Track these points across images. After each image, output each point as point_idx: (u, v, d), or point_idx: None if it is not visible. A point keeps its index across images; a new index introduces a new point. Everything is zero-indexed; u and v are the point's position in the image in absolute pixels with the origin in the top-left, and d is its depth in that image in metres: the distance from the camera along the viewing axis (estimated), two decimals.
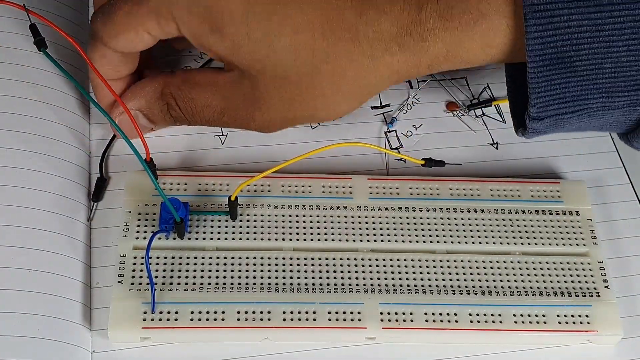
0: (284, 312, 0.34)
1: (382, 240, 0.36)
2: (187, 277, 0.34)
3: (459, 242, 0.37)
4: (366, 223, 0.37)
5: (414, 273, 0.35)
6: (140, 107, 0.36)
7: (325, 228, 0.36)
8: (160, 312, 0.33)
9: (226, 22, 0.31)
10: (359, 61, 0.32)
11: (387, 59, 0.32)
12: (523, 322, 0.34)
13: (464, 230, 0.37)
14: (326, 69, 0.32)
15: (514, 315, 0.34)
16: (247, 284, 0.34)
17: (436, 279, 0.35)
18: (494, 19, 0.31)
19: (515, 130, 0.34)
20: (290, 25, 0.31)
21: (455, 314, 0.34)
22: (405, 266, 0.35)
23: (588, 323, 0.34)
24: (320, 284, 0.35)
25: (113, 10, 0.33)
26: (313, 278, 0.35)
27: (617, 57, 0.30)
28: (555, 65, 0.30)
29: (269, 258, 0.35)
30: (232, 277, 0.34)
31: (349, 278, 0.35)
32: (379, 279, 0.35)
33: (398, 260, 0.36)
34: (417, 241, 0.36)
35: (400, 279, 0.35)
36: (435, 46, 0.32)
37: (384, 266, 0.35)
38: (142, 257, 0.34)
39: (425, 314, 0.34)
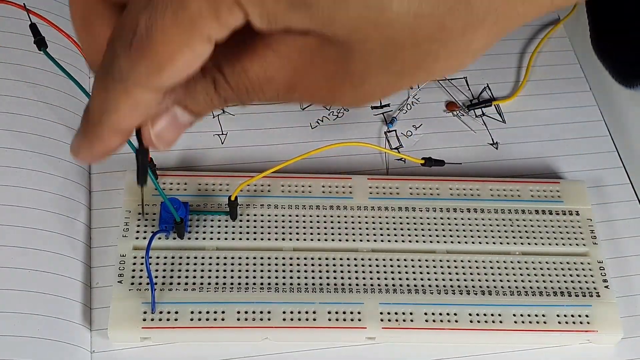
0: (284, 312, 0.34)
1: (382, 240, 0.36)
2: (187, 277, 0.34)
3: (458, 242, 0.37)
4: (366, 223, 0.37)
5: (414, 273, 0.35)
6: (179, 99, 0.25)
7: (325, 228, 0.36)
8: (160, 312, 0.33)
9: None
10: (499, 11, 0.22)
11: (513, 12, 0.23)
12: (523, 322, 0.34)
13: (464, 230, 0.37)
14: (456, 25, 0.22)
15: (514, 315, 0.34)
16: (247, 283, 0.34)
17: (436, 279, 0.35)
18: None
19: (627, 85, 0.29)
20: None
21: (455, 314, 0.34)
22: (405, 266, 0.35)
23: (588, 323, 0.34)
24: (320, 284, 0.35)
25: (144, 33, 0.22)
26: (313, 278, 0.35)
27: None
28: None
29: (269, 258, 0.35)
30: (232, 277, 0.34)
31: (349, 278, 0.35)
32: (378, 278, 0.35)
33: (398, 260, 0.36)
34: (417, 241, 0.36)
35: (400, 278, 0.35)
36: None
37: (384, 266, 0.35)
38: (142, 257, 0.34)
39: (425, 313, 0.34)
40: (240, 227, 0.36)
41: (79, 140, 0.25)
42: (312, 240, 0.36)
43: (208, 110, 0.26)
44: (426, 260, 0.36)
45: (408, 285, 0.35)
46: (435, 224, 0.37)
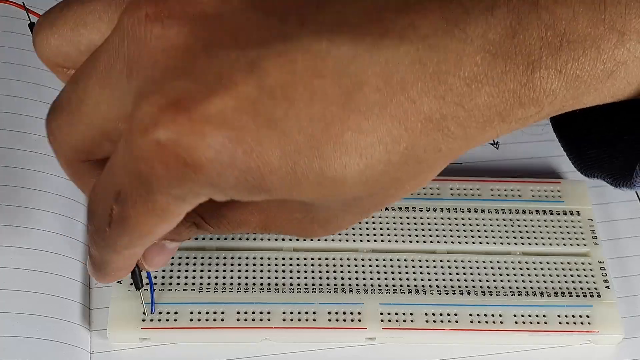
0: (283, 313, 0.33)
1: (382, 241, 0.36)
2: (186, 277, 0.34)
3: (459, 242, 0.36)
4: (366, 223, 0.37)
5: (414, 273, 0.35)
6: (166, 236, 0.27)
7: None
8: (160, 313, 0.33)
9: (266, 179, 0.22)
10: (450, 149, 0.23)
11: (487, 134, 0.23)
12: (524, 323, 0.34)
13: (464, 230, 0.37)
14: (408, 174, 0.23)
15: (515, 315, 0.34)
16: (246, 284, 0.34)
17: (436, 279, 0.35)
18: (633, 67, 0.23)
19: (611, 183, 0.28)
20: (348, 150, 0.22)
21: (455, 314, 0.34)
22: (406, 266, 0.35)
23: (589, 323, 0.34)
24: (320, 284, 0.34)
25: (118, 220, 0.24)
26: (313, 278, 0.35)
27: None
28: None
29: (268, 258, 0.35)
30: (231, 278, 0.34)
31: (349, 278, 0.35)
32: (379, 279, 0.35)
33: (398, 260, 0.36)
34: (417, 241, 0.36)
35: (400, 279, 0.35)
36: (551, 107, 0.23)
37: (384, 266, 0.35)
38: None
39: (426, 314, 0.34)
40: None
41: (92, 273, 0.28)
42: (312, 240, 0.36)
43: (190, 237, 0.29)
44: (426, 261, 0.36)
45: (408, 286, 0.35)
46: (435, 224, 0.37)
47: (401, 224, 0.37)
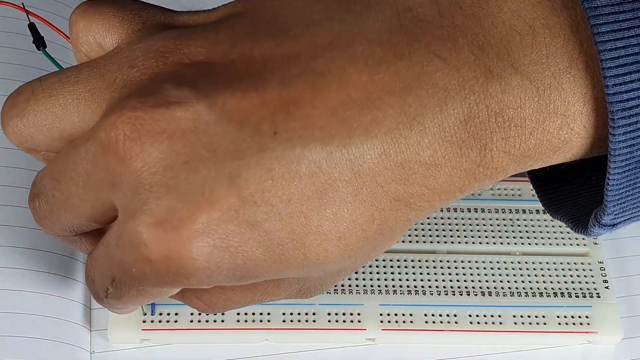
0: (283, 314, 0.34)
1: None
2: None
3: (459, 242, 0.36)
4: None
5: (414, 274, 0.35)
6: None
7: None
8: (160, 314, 0.33)
9: (251, 272, 0.24)
10: (418, 215, 0.26)
11: (450, 202, 0.26)
12: (523, 323, 0.34)
13: (464, 230, 0.37)
14: (384, 240, 0.26)
15: (514, 316, 0.34)
16: None
17: (436, 280, 0.35)
18: (576, 143, 0.25)
19: (571, 227, 0.29)
20: (333, 232, 0.24)
21: (455, 315, 0.34)
22: (405, 267, 0.35)
23: (588, 324, 0.34)
24: None
25: (114, 303, 0.27)
26: None
27: None
28: None
29: None
30: None
31: (349, 279, 0.35)
32: (378, 279, 0.35)
33: (398, 260, 0.36)
34: (417, 241, 0.36)
35: (400, 279, 0.35)
36: (504, 176, 0.25)
37: (384, 267, 0.35)
38: None
39: (425, 315, 0.34)
40: None
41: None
42: None
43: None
44: (426, 261, 0.36)
45: (408, 287, 0.35)
46: (435, 223, 0.37)
47: None
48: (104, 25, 0.26)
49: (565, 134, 0.24)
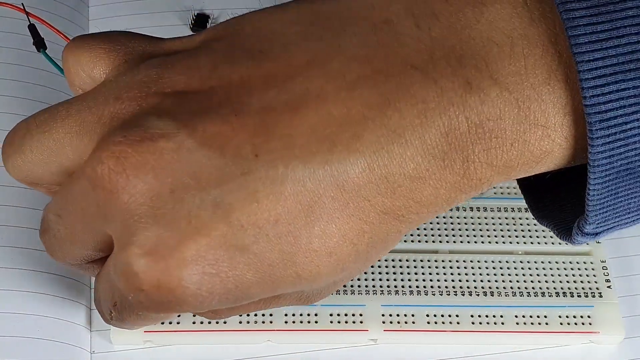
0: (285, 315, 0.34)
1: None
2: None
3: (461, 242, 0.36)
4: None
5: (416, 274, 0.35)
6: None
7: None
8: None
9: (246, 292, 0.25)
10: (409, 227, 0.26)
11: (439, 213, 0.26)
12: (525, 324, 0.34)
13: (466, 230, 0.37)
14: (377, 251, 0.26)
15: (516, 316, 0.34)
16: None
17: (438, 280, 0.35)
18: (557, 154, 0.25)
19: (557, 234, 0.29)
20: (323, 248, 0.24)
21: (457, 316, 0.34)
22: (407, 267, 0.35)
23: (590, 324, 0.34)
24: None
25: (117, 323, 0.28)
26: None
27: None
28: (623, 178, 0.24)
29: None
30: None
31: (351, 280, 0.35)
32: (380, 280, 0.35)
33: (400, 261, 0.36)
34: (419, 241, 0.36)
35: (402, 280, 0.35)
36: (489, 186, 0.26)
37: (386, 267, 0.35)
38: None
39: (427, 315, 0.34)
40: None
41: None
42: None
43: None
44: (428, 261, 0.36)
45: (410, 287, 0.35)
46: (437, 223, 0.37)
47: None
48: (92, 58, 0.26)
49: (546, 145, 0.24)
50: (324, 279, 0.25)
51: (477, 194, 0.25)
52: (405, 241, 0.36)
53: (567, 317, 0.34)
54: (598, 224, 0.26)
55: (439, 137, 0.23)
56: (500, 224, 0.37)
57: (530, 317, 0.34)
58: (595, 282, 0.36)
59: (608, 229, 0.26)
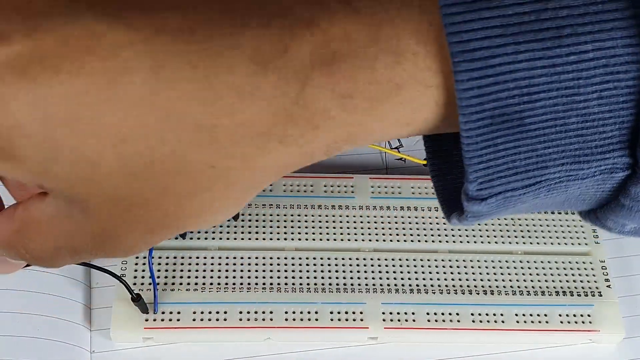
0: (286, 312, 0.34)
1: (384, 240, 0.36)
2: (189, 277, 0.34)
3: (460, 242, 0.36)
4: (368, 223, 0.37)
5: (416, 273, 0.35)
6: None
7: (327, 227, 0.36)
8: (163, 313, 0.33)
9: (16, 142, 0.21)
10: (222, 167, 0.22)
11: (266, 157, 0.22)
12: (525, 322, 0.34)
13: (465, 230, 0.37)
14: (175, 186, 0.22)
15: (516, 315, 0.34)
16: (249, 283, 0.34)
17: (438, 279, 0.35)
18: (413, 91, 0.22)
19: (447, 218, 0.25)
20: (107, 133, 0.21)
21: (457, 314, 0.34)
22: (407, 266, 0.35)
23: (590, 323, 0.34)
24: (322, 284, 0.35)
25: None
26: (315, 278, 0.35)
27: (585, 108, 0.21)
28: (499, 125, 0.21)
29: (271, 258, 0.35)
30: (234, 277, 0.34)
31: (351, 278, 0.35)
32: (381, 278, 0.35)
33: (400, 259, 0.36)
34: (419, 241, 0.36)
35: (402, 278, 0.35)
36: (332, 132, 0.22)
37: (386, 266, 0.35)
38: (145, 257, 0.34)
39: (427, 313, 0.34)
40: (242, 227, 0.36)
41: None
42: (314, 240, 0.36)
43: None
44: (428, 260, 0.36)
45: (410, 285, 0.35)
46: (437, 223, 0.37)
47: (403, 223, 0.37)
48: None
49: (397, 76, 0.21)
50: (102, 174, 0.22)
51: (318, 143, 0.22)
52: (405, 240, 0.36)
53: (567, 315, 0.35)
54: (481, 183, 0.22)
55: (275, 52, 0.21)
56: (499, 224, 0.37)
57: (531, 315, 0.34)
58: (595, 281, 0.36)
59: (497, 193, 0.23)
